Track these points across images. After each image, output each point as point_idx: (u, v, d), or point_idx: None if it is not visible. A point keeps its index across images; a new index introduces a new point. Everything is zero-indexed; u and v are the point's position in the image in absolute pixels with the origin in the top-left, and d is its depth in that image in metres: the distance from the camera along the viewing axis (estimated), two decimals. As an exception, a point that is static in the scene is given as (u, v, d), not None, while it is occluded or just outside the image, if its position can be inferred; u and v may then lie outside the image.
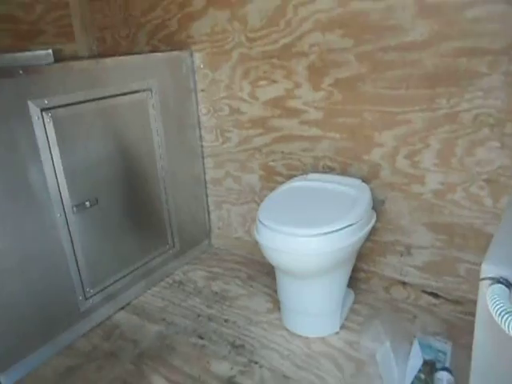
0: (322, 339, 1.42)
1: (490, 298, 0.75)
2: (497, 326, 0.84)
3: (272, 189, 1.76)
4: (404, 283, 1.60)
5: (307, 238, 1.21)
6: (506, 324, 0.69)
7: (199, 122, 1.90)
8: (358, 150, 1.53)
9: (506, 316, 0.69)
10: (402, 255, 1.57)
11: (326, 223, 1.23)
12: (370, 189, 1.46)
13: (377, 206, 1.47)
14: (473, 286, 1.45)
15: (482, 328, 0.88)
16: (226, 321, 1.55)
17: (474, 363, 0.92)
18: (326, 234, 1.21)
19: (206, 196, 2.03)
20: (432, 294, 1.55)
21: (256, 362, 1.34)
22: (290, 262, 1.25)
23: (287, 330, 1.47)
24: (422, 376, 1.24)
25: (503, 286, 0.77)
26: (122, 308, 1.65)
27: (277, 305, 1.58)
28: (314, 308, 1.41)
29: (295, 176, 1.65)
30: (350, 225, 1.25)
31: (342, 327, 1.47)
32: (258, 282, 1.77)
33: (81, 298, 1.49)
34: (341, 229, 1.22)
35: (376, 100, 1.44)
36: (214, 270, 1.89)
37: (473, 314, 1.55)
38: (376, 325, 1.44)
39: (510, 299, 0.75)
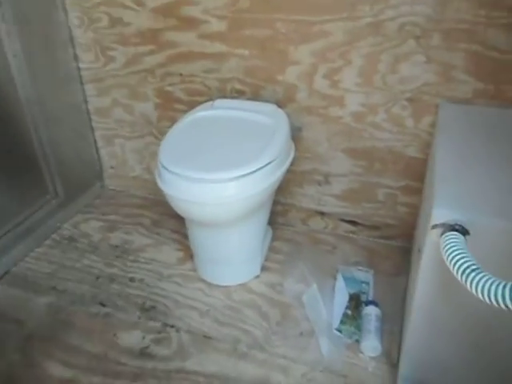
0: (243, 286, 1.30)
1: (447, 251, 0.63)
2: (442, 277, 0.75)
3: (172, 119, 1.49)
4: (322, 213, 1.51)
5: (222, 183, 1.01)
6: (469, 281, 0.59)
7: (72, 38, 1.49)
8: (270, 69, 1.30)
9: (473, 274, 0.58)
10: (320, 184, 1.46)
11: (242, 163, 1.03)
12: (286, 115, 1.27)
13: (294, 133, 1.30)
14: (390, 211, 1.41)
15: (427, 278, 0.79)
16: (131, 280, 1.34)
17: (415, 312, 0.85)
18: (243, 176, 1.01)
19: (92, 130, 1.68)
20: (350, 221, 1.49)
21: (172, 326, 1.17)
22: (203, 213, 1.05)
23: (204, 281, 1.32)
24: (349, 312, 1.19)
25: (459, 234, 0.66)
26: (-2, 279, 1.34)
27: (189, 252, 1.40)
28: (233, 256, 1.26)
29: (199, 103, 1.39)
30: (269, 163, 1.06)
31: (263, 269, 1.35)
32: (165, 227, 1.56)
33: None
34: (259, 169, 1.04)
35: (290, 7, 1.20)
36: (110, 219, 1.62)
37: (390, 238, 1.56)
38: (298, 264, 1.35)
39: (466, 248, 0.65)
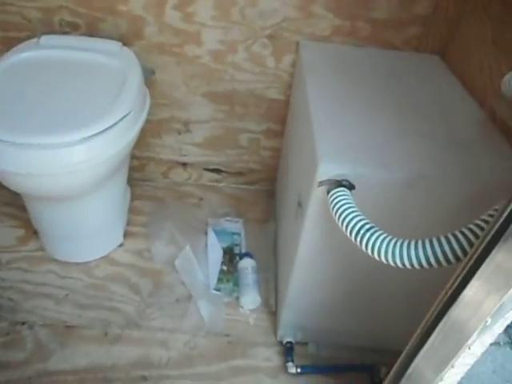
0: (106, 258, 1.14)
1: (338, 209, 0.60)
2: (327, 231, 0.73)
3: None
4: (184, 164, 1.39)
5: (65, 148, 0.80)
6: (364, 242, 0.56)
7: None
8: (108, -5, 1.06)
9: (368, 235, 0.55)
10: (179, 133, 1.32)
11: (90, 120, 0.83)
12: (135, 55, 1.07)
13: (146, 77, 1.11)
14: (253, 155, 1.37)
15: (311, 233, 0.76)
16: (-45, 274, 1.06)
17: (297, 264, 0.83)
18: (92, 137, 0.82)
19: None
20: (215, 170, 1.40)
21: (23, 323, 0.97)
22: (43, 187, 0.84)
23: (56, 260, 1.11)
24: (225, 268, 1.14)
25: (347, 190, 0.62)
26: None
27: (31, 228, 1.15)
28: (88, 229, 1.07)
29: (19, 41, 1.07)
30: (124, 117, 0.88)
31: (126, 235, 1.20)
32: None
33: None
34: (113, 125, 0.85)
35: None
36: None
37: (254, 183, 1.53)
38: (164, 224, 1.23)
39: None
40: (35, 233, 1.15)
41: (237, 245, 1.21)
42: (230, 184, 1.43)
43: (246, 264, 1.11)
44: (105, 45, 1.06)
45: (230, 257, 1.17)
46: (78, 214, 1.01)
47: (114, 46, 1.06)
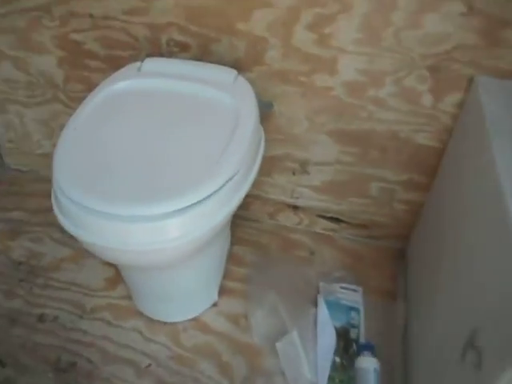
0: (196, 321, 0.96)
1: None
2: None
3: (85, 81, 1.04)
4: (295, 207, 1.16)
5: (157, 222, 0.62)
6: None
7: None
8: (228, 11, 0.86)
9: None
10: (294, 173, 1.09)
11: (188, 185, 0.64)
12: (251, 87, 0.85)
13: (261, 112, 0.89)
14: (384, 208, 1.08)
15: None
16: (40, 319, 0.97)
17: None
18: (190, 208, 0.63)
19: (-28, 92, 1.18)
20: (331, 218, 1.15)
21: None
22: (130, 261, 0.68)
23: (142, 315, 0.96)
24: (338, 359, 0.90)
25: None
26: None
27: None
28: (181, 292, 0.90)
29: (122, 60, 0.94)
30: (231, 178, 0.68)
31: (221, 291, 1.01)
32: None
33: None
34: (215, 192, 0.65)
35: None
36: (14, 217, 1.19)
37: (379, 238, 1.25)
38: (266, 285, 1.02)
39: None
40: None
41: (354, 326, 0.96)
42: (349, 235, 1.17)
43: (368, 364, 0.86)
44: (217, 72, 0.86)
45: (345, 343, 0.92)
46: (169, 280, 0.84)
47: (229, 74, 0.86)
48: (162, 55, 0.95)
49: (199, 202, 0.63)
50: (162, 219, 0.62)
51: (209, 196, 0.64)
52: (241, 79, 0.86)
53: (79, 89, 1.07)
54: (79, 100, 1.07)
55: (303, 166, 1.06)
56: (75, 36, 0.98)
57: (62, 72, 1.06)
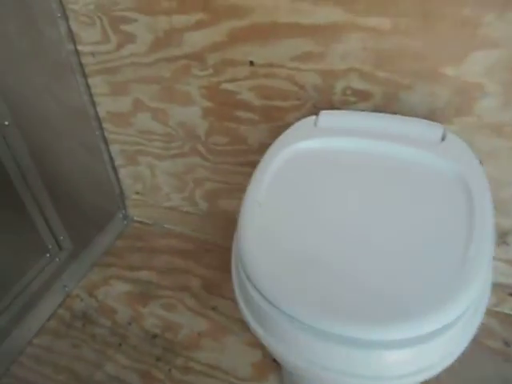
0: None
1: None
2: None
3: (229, 133, 0.93)
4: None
5: (390, 351, 0.45)
6: None
7: (62, 5, 0.89)
8: (433, 55, 0.69)
9: None
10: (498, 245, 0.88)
11: (421, 303, 0.46)
12: (468, 146, 0.67)
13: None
14: None
15: None
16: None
17: None
18: (426, 338, 0.45)
19: (106, 143, 1.11)
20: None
21: None
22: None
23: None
24: None
25: None
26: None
27: (269, 356, 0.87)
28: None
29: (279, 109, 0.80)
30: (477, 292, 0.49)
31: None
32: (225, 295, 1.03)
33: None
34: (459, 317, 0.47)
35: None
36: (141, 277, 1.09)
37: None
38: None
39: None
40: (275, 361, 0.87)
41: None
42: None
43: None
44: (419, 128, 0.68)
45: None
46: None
47: (434, 129, 0.68)
48: (332, 105, 0.79)
49: (440, 330, 0.45)
50: (404, 347, 0.45)
51: (455, 321, 0.46)
52: (451, 136, 0.67)
53: (223, 142, 0.95)
54: (219, 153, 0.97)
55: (503, 236, 0.84)
56: (227, 86, 0.86)
57: (206, 123, 0.95)
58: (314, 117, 0.74)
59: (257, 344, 0.91)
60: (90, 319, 1.00)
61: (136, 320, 1.00)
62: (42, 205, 0.96)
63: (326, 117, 0.73)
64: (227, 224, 1.11)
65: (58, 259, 1.03)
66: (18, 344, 0.95)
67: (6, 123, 0.83)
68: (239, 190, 1.02)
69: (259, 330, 0.54)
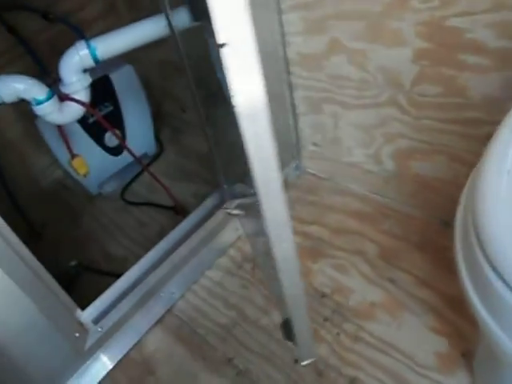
0: None
1: None
2: None
3: (447, 82, 0.76)
4: None
5: None
6: None
7: None
8: None
9: None
10: None
11: None
12: None
13: None
14: None
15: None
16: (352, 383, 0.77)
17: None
18: None
19: (290, 88, 1.06)
20: None
21: None
22: None
23: None
24: None
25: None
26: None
27: (462, 346, 0.74)
28: None
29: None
30: None
31: None
32: (405, 269, 0.91)
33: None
34: None
35: None
36: (311, 233, 1.04)
37: None
38: None
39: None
40: (465, 356, 0.74)
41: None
42: None
43: None
44: None
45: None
46: None
47: None
48: None
49: None
50: None
51: None
52: None
53: (433, 92, 0.80)
54: (424, 106, 0.82)
55: None
56: (456, 21, 0.70)
57: (416, 69, 0.80)
58: None
59: (443, 332, 0.79)
60: (258, 264, 1.00)
61: (305, 275, 0.96)
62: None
63: None
64: (416, 190, 0.98)
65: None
66: (194, 273, 0.99)
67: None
68: (442, 153, 0.87)
69: (494, 327, 0.42)
